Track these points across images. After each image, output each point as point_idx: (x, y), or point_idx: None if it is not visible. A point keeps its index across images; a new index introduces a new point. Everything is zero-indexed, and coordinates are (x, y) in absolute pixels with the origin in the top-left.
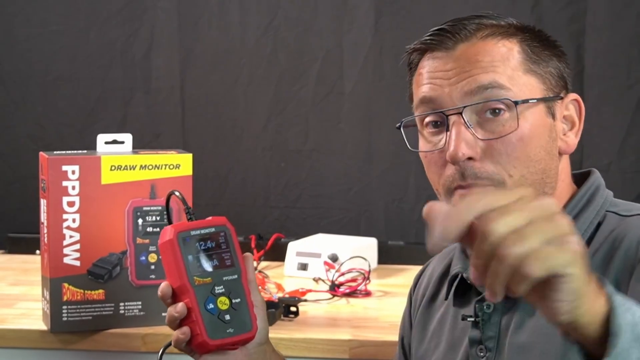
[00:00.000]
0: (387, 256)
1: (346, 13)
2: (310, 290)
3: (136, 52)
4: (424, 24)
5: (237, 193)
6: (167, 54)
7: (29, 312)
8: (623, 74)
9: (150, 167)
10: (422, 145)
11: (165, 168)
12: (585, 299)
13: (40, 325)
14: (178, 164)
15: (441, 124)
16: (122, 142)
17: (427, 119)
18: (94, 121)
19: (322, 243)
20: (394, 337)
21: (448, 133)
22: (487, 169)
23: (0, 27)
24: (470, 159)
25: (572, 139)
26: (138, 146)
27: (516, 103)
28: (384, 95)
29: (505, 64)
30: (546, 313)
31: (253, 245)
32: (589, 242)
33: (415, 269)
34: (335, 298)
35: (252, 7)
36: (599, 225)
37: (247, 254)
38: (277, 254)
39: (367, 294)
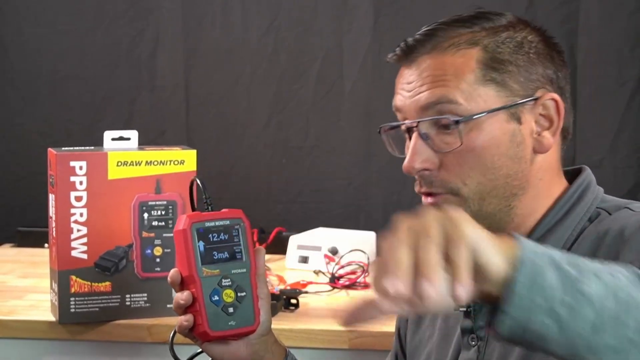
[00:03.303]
0: None
1: (346, 13)
2: (310, 283)
3: (141, 51)
4: (423, 24)
5: (239, 188)
6: (172, 54)
7: (38, 304)
8: (615, 72)
9: (155, 163)
10: (406, 148)
11: (170, 164)
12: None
13: (49, 316)
14: (182, 160)
15: (407, 132)
16: (128, 139)
17: (402, 127)
18: (100, 118)
19: (322, 237)
20: (392, 328)
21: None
22: (442, 177)
23: (10, 27)
24: (426, 169)
25: (548, 138)
26: (143, 143)
27: (457, 122)
28: (382, 94)
29: (459, 78)
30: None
31: (255, 238)
32: (579, 236)
33: None
34: (335, 290)
35: (254, 8)
36: (590, 220)
37: (259, 247)
38: (279, 247)
39: (366, 286)
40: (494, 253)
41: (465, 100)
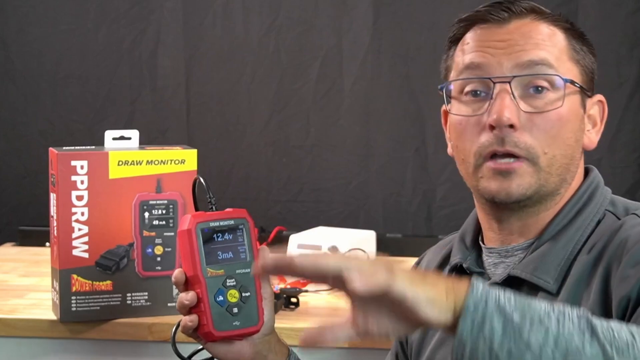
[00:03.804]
0: (385, 248)
1: (346, 13)
2: (310, 282)
3: (143, 51)
4: (421, 24)
5: (240, 187)
6: (173, 53)
7: (39, 303)
8: (613, 72)
9: (156, 162)
10: (459, 110)
11: (170, 163)
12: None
13: (50, 315)
14: (183, 159)
15: (481, 93)
16: (129, 138)
17: (468, 87)
18: (102, 118)
19: (322, 235)
20: None
21: (491, 100)
22: (526, 140)
23: (12, 26)
24: (511, 127)
25: (594, 137)
26: (144, 142)
27: (565, 82)
28: (382, 93)
29: (555, 46)
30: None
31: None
32: (587, 238)
33: (413, 261)
34: (335, 289)
35: (255, 8)
36: (599, 222)
37: (264, 247)
38: (279, 246)
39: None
40: (427, 303)
41: (560, 68)
